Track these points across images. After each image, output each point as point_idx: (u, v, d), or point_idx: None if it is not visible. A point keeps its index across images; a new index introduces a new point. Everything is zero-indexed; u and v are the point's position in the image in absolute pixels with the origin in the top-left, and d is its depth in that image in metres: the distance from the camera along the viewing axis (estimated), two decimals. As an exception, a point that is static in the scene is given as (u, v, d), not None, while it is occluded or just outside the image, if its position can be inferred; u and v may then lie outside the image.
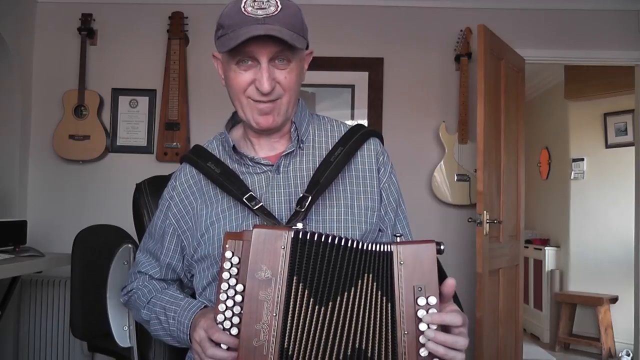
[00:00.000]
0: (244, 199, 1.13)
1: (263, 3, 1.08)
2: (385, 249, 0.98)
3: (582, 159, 4.91)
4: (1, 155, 3.42)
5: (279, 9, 1.08)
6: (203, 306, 1.15)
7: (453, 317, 0.95)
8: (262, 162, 1.19)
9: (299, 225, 1.00)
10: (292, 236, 0.98)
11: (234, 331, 0.99)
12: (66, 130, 3.43)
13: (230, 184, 1.16)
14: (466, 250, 3.40)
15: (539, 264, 5.13)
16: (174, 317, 1.15)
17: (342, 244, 0.98)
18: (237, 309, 0.99)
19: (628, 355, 4.23)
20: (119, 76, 3.56)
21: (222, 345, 1.00)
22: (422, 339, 0.95)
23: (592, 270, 4.75)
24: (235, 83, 1.13)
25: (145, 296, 1.24)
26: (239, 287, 0.99)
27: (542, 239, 5.28)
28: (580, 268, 4.84)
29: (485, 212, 2.93)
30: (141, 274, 1.29)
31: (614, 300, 4.56)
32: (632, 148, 3.80)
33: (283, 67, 1.12)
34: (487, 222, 2.93)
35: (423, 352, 0.95)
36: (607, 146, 4.77)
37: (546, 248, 5.06)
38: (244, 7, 1.08)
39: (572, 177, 4.95)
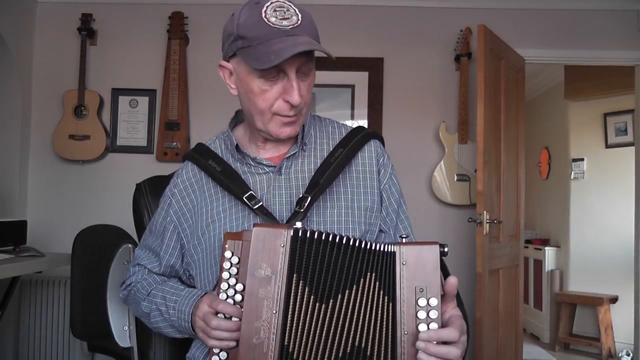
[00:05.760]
0: (244, 198, 1.13)
1: (285, 13, 1.05)
2: (389, 249, 0.97)
3: (582, 159, 4.91)
4: (1, 155, 3.42)
5: (299, 17, 1.06)
6: (203, 294, 1.14)
7: (450, 332, 0.93)
8: (265, 162, 1.19)
9: (298, 225, 1.00)
10: (292, 234, 0.98)
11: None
12: (66, 130, 3.43)
13: (230, 182, 1.16)
14: (466, 250, 3.40)
15: (539, 264, 5.13)
16: (174, 307, 1.15)
17: (344, 242, 0.98)
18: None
19: (628, 355, 4.23)
20: (119, 76, 3.56)
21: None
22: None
23: (592, 270, 4.75)
24: (262, 100, 1.10)
25: (145, 289, 1.24)
26: (239, 287, 1.00)
27: (542, 239, 5.27)
28: (580, 268, 4.84)
29: (485, 212, 2.93)
30: (140, 266, 1.29)
31: (614, 300, 4.56)
32: (632, 148, 3.80)
33: (305, 78, 1.11)
34: (487, 222, 2.93)
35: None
36: (607, 146, 4.78)
37: (546, 248, 5.06)
38: (265, 17, 1.04)
39: (572, 177, 4.95)
